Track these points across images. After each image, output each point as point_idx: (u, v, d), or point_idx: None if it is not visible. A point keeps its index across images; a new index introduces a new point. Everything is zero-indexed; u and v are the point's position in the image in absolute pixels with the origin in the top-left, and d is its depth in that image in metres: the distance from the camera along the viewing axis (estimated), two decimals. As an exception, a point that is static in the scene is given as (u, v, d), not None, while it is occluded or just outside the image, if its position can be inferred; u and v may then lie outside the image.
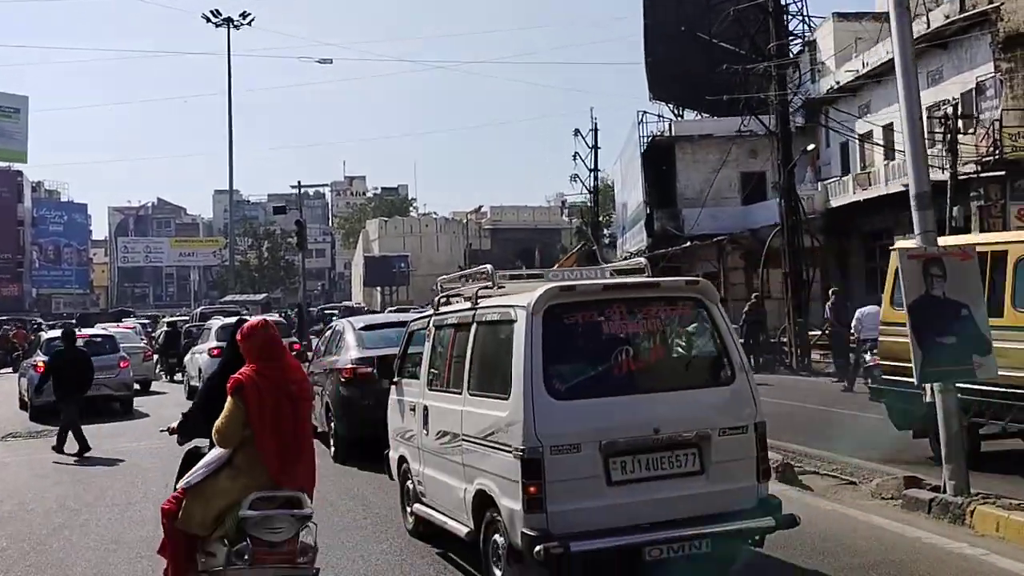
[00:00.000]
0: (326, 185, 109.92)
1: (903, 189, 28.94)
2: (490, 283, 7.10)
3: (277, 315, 37.57)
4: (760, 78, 44.78)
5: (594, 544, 5.72)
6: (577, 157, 49.14)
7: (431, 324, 7.89)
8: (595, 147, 49.13)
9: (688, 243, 34.39)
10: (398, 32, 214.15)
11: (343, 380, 12.41)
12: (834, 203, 33.50)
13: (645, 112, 39.90)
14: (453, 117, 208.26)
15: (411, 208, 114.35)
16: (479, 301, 6.98)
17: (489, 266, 7.37)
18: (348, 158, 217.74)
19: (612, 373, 6.20)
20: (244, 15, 68.58)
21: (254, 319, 6.24)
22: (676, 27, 40.52)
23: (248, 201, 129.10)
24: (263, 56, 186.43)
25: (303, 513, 5.47)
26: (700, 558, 6.05)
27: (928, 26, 27.33)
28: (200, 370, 21.25)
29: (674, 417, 6.09)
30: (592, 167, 49.54)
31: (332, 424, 12.84)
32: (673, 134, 39.01)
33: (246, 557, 5.27)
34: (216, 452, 5.59)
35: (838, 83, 33.16)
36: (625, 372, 6.22)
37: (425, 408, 7.54)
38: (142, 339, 32.68)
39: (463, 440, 6.68)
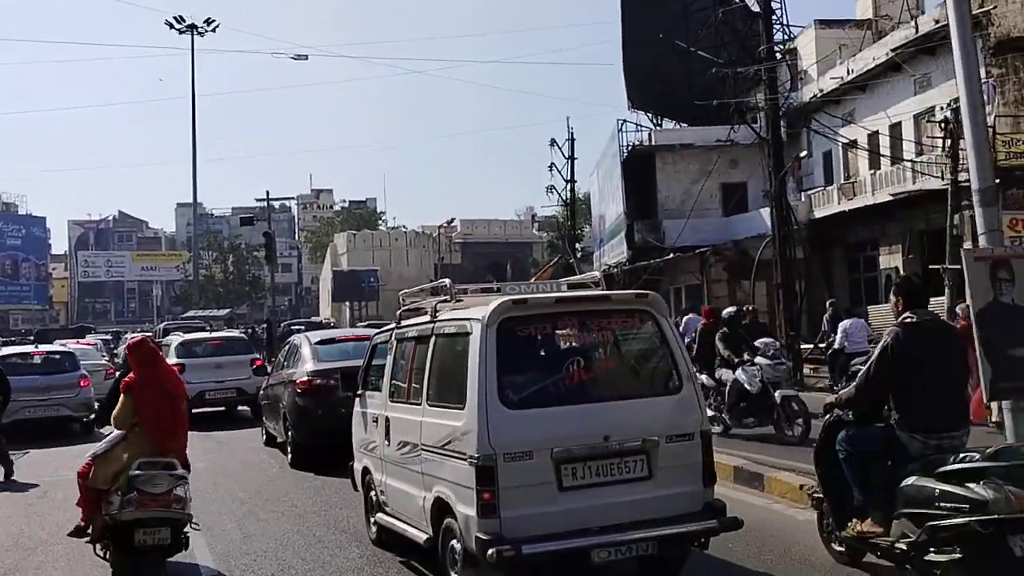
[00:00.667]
0: (292, 198, 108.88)
1: (890, 199, 28.46)
2: (449, 297, 7.32)
3: (238, 331, 36.39)
4: (740, 85, 44.45)
5: (545, 547, 5.97)
6: (553, 168, 48.26)
7: (393, 337, 8.16)
8: (571, 158, 48.33)
9: (671, 255, 33.51)
10: (366, 36, 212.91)
11: (299, 391, 13.31)
12: (818, 213, 32.82)
13: (625, 121, 39.15)
14: (423, 128, 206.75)
15: (380, 222, 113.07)
16: (438, 314, 7.22)
17: (447, 280, 7.56)
18: (315, 171, 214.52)
19: (564, 383, 6.46)
20: (208, 21, 67.47)
21: (136, 337, 9.04)
22: (655, 34, 39.81)
23: (212, 214, 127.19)
24: (230, 63, 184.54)
25: (177, 473, 7.52)
26: (650, 560, 6.56)
27: (917, 31, 26.73)
28: None
29: (623, 425, 6.35)
30: (568, 178, 48.66)
31: (289, 432, 13.66)
32: (653, 143, 38.20)
33: (134, 503, 7.27)
34: (116, 432, 7.88)
35: (822, 91, 32.51)
36: (576, 382, 6.48)
37: (387, 419, 7.84)
38: (104, 356, 31.35)
39: (422, 450, 6.95)
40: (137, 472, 7.34)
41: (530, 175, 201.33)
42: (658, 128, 41.25)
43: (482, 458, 6.03)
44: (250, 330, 44.59)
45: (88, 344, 30.38)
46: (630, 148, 38.31)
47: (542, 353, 6.74)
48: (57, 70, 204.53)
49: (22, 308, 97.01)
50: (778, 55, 31.20)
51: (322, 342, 14.71)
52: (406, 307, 8.28)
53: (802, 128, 32.09)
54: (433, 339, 7.15)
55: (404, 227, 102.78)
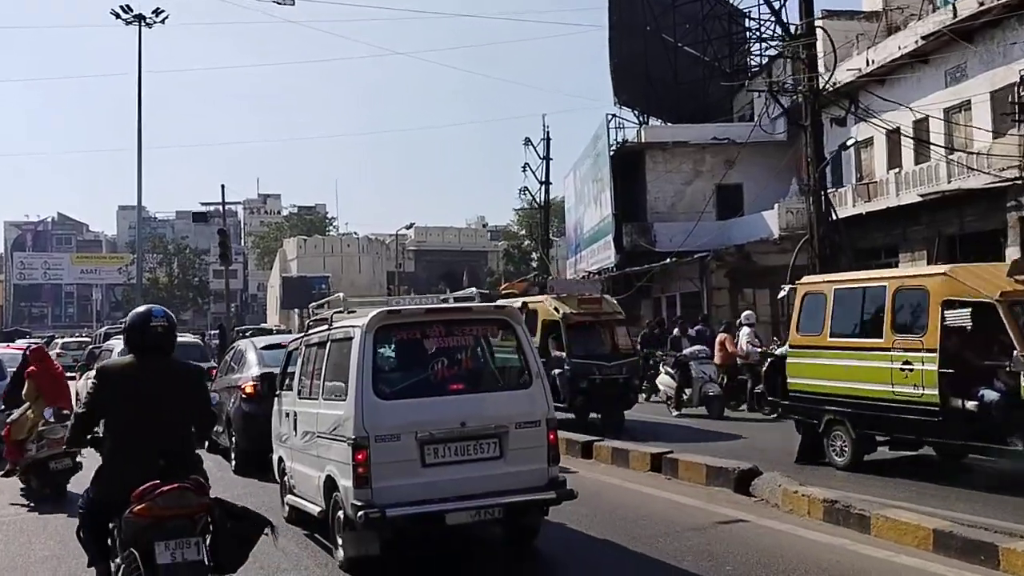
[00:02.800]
0: (238, 203, 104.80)
1: (920, 200, 26.01)
2: (342, 308, 8.92)
3: (190, 335, 32.86)
4: (730, 82, 42.01)
5: (405, 511, 7.17)
6: (527, 168, 45.27)
7: (302, 343, 9.49)
8: (547, 158, 45.29)
9: (668, 260, 30.72)
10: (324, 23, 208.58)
11: (244, 396, 13.28)
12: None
13: (615, 115, 36.44)
14: (379, 130, 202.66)
15: (331, 227, 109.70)
16: (333, 323, 8.45)
17: (341, 294, 9.57)
18: (263, 176, 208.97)
19: (429, 379, 7.77)
20: (157, 12, 63.49)
21: (36, 344, 16.15)
22: (643, 25, 37.37)
23: (155, 217, 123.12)
24: (177, 59, 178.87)
25: (66, 424, 9.65)
26: (508, 528, 8.05)
27: (955, 15, 24.25)
28: None
29: (478, 414, 7.58)
30: (543, 180, 45.65)
31: (233, 438, 13.52)
32: (643, 140, 35.45)
33: (45, 446, 11.15)
34: (24, 406, 11.76)
35: (836, 83, 29.91)
36: (440, 378, 7.76)
37: (295, 414, 9.05)
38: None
39: (317, 436, 8.17)
40: (43, 428, 11.11)
41: (489, 180, 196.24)
42: (644, 126, 38.60)
43: (358, 439, 7.21)
44: (200, 336, 40.97)
45: (17, 349, 26.49)
46: (618, 145, 35.52)
47: (412, 354, 8.03)
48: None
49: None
50: (775, 52, 28.97)
51: (268, 347, 14.42)
52: (313, 318, 9.78)
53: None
54: (328, 344, 8.38)
55: (355, 233, 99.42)
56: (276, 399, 10.03)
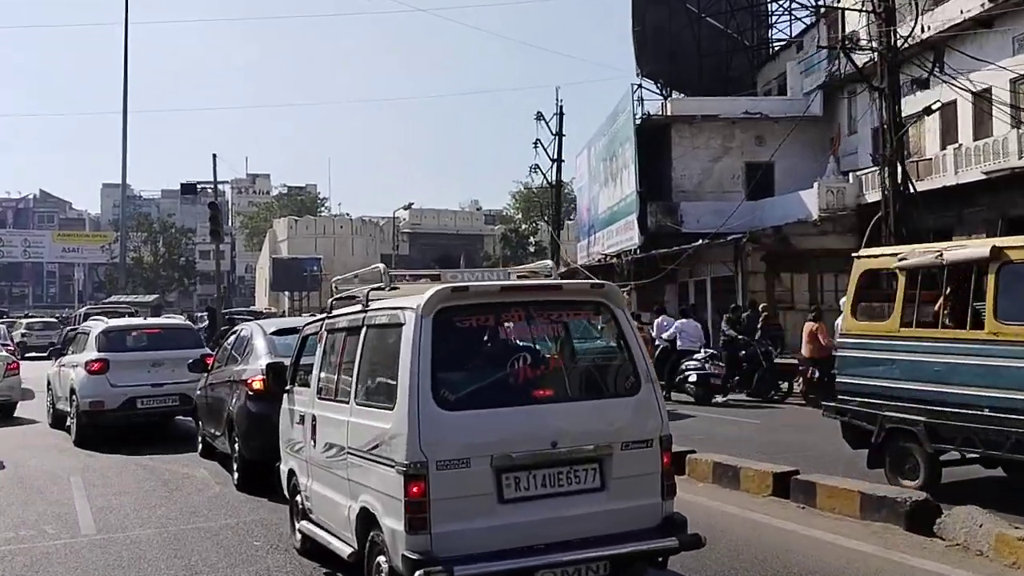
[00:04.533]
0: (227, 182, 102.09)
1: (983, 178, 23.72)
2: (383, 284, 6.54)
3: (181, 317, 30.44)
4: (757, 57, 39.69)
5: (481, 568, 5.33)
6: (539, 144, 42.70)
7: (323, 328, 7.44)
8: (559, 134, 42.73)
9: (701, 241, 28.31)
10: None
11: (250, 393, 10.63)
12: (870, 198, 27.91)
13: (640, 85, 33.96)
14: (374, 105, 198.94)
15: (322, 208, 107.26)
16: (370, 303, 6.51)
17: (382, 265, 6.92)
18: (251, 154, 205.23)
19: (507, 382, 5.80)
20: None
21: None
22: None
23: (140, 196, 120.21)
24: (162, 34, 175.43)
25: None
26: None
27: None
28: (73, 391, 14.80)
29: (574, 430, 5.72)
30: (555, 157, 43.14)
31: (236, 445, 10.85)
32: (669, 113, 32.99)
33: None
34: None
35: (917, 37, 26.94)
36: (522, 381, 5.81)
37: (313, 418, 7.13)
38: (7, 344, 25.29)
39: (348, 453, 6.27)
40: None
41: (485, 162, 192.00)
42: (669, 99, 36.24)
43: (412, 465, 5.35)
44: (186, 319, 38.43)
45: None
46: (643, 117, 33.06)
47: (484, 348, 6.10)
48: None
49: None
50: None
51: (279, 332, 11.47)
52: (338, 295, 7.45)
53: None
54: (364, 330, 6.41)
55: (348, 215, 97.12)
56: (286, 395, 7.99)
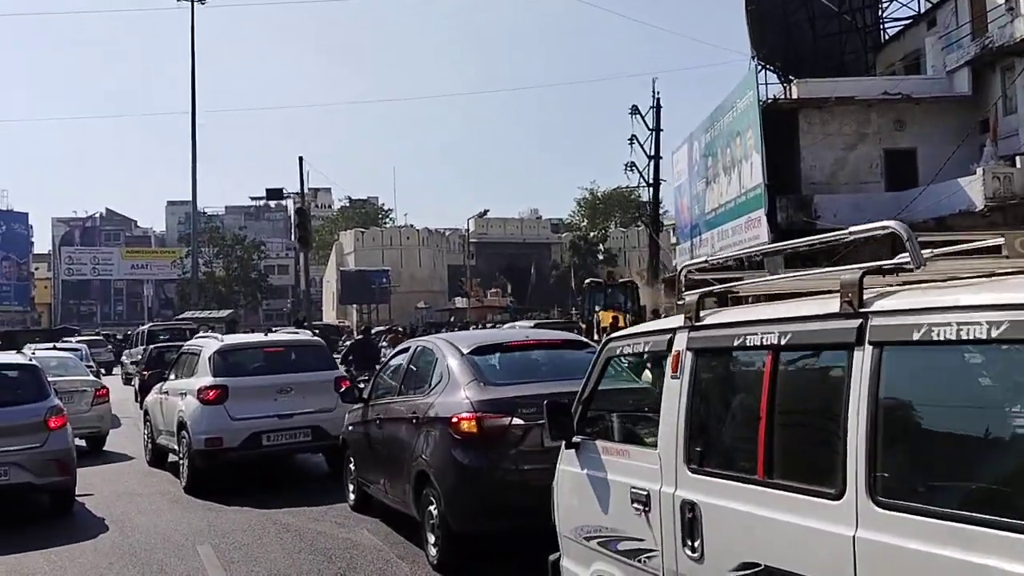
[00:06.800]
0: (289, 195, 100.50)
1: None
2: (906, 260, 3.36)
3: (307, 332, 27.50)
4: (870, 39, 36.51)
5: None
6: (634, 140, 39.89)
7: (685, 346, 4.26)
8: (656, 128, 39.91)
9: (848, 238, 25.22)
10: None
11: (456, 437, 7.45)
12: (1046, 184, 24.71)
13: (764, 66, 30.88)
14: (437, 109, 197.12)
15: (387, 220, 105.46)
16: (870, 303, 3.29)
17: (894, 223, 3.44)
18: (312, 171, 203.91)
19: None
20: (210, -11, 59.72)
21: None
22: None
23: (205, 212, 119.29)
24: (223, 48, 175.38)
25: None
26: None
27: None
28: (182, 425, 12.21)
29: None
30: (653, 154, 40.28)
31: (436, 510, 7.66)
32: (796, 96, 29.88)
33: None
34: None
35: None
36: None
37: (686, 506, 4.04)
38: (91, 367, 22.91)
39: None
40: None
41: (548, 168, 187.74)
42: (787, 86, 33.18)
43: None
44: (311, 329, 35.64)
45: (66, 351, 21.42)
46: (768, 102, 29.99)
47: None
48: (39, 59, 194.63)
49: (1, 310, 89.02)
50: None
51: (480, 350, 8.37)
52: (701, 290, 4.41)
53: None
54: (864, 354, 3.18)
55: (413, 225, 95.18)
56: (571, 452, 5.21)
